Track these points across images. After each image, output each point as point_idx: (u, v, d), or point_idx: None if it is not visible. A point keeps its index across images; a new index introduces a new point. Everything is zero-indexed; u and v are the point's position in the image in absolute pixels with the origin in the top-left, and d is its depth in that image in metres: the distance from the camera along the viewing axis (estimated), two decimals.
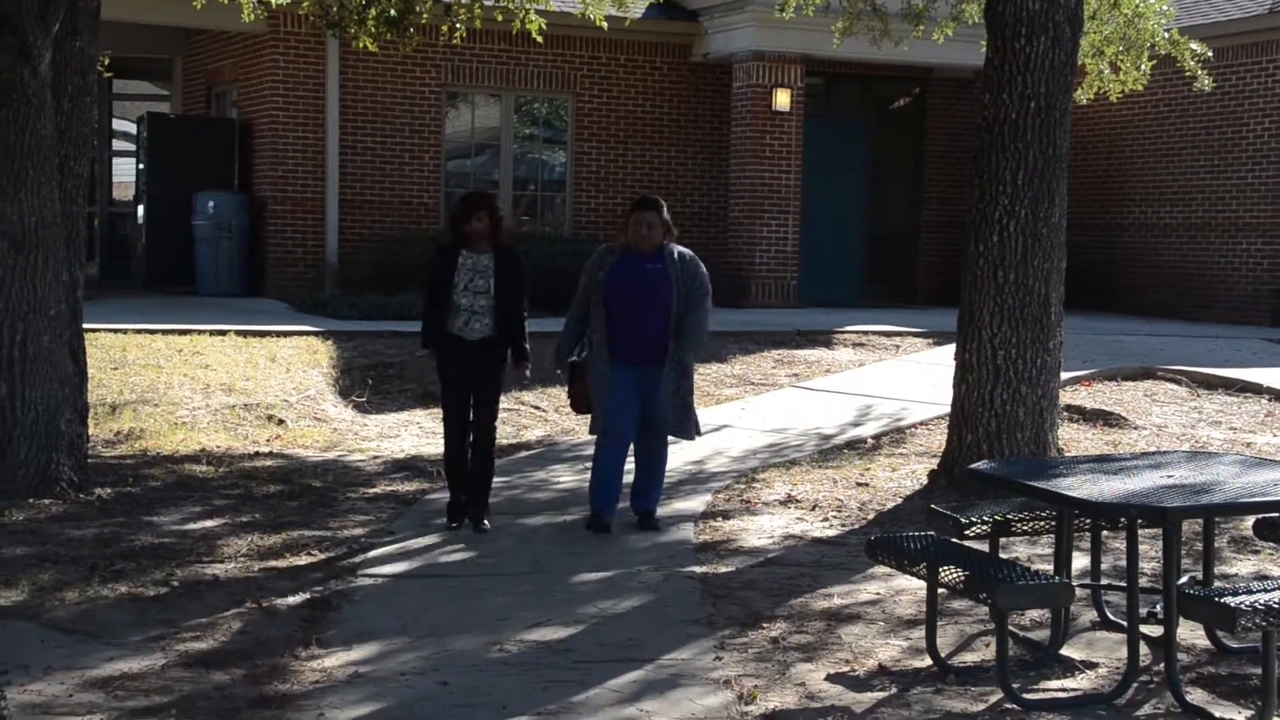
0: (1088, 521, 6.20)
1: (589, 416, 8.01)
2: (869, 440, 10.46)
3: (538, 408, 11.53)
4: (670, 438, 7.93)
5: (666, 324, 7.66)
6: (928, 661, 5.74)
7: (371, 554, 7.33)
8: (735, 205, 18.36)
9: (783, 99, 17.82)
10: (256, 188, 17.90)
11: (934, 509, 6.48)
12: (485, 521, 7.82)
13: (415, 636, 6.00)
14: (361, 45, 11.61)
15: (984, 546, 6.22)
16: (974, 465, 6.27)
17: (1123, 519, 5.72)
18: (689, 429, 7.85)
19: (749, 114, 17.97)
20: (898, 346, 14.67)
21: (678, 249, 7.77)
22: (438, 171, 18.08)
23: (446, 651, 5.83)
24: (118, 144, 21.72)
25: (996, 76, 8.63)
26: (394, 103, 17.74)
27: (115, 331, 12.78)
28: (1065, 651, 5.86)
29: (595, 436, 7.88)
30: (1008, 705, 5.28)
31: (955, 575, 5.43)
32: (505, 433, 10.66)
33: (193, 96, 20.20)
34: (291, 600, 6.54)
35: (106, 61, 11.33)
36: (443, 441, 8.00)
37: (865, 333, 15.11)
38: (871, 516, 8.32)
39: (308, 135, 17.39)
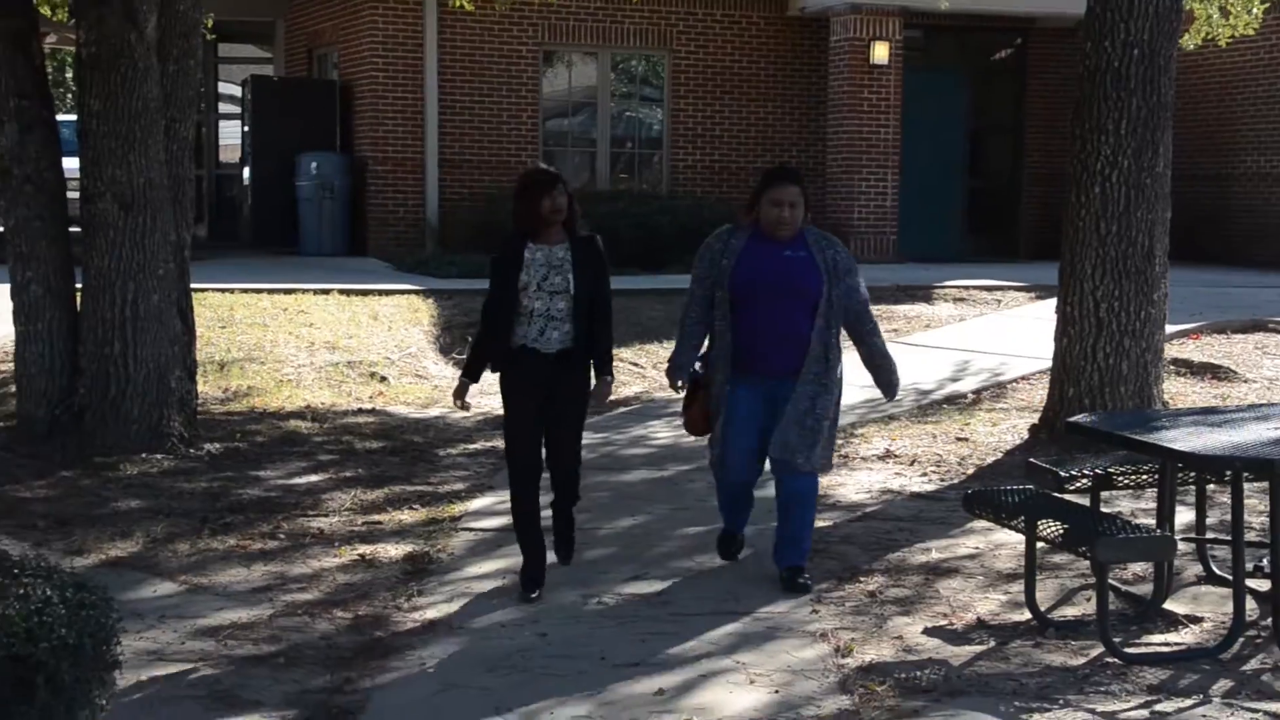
0: (1192, 475, 6.11)
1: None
2: (969, 395, 10.37)
3: (635, 364, 11.58)
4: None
5: (811, 326, 5.99)
6: (1026, 615, 5.71)
7: (471, 507, 7.43)
8: (833, 160, 18.22)
9: (881, 52, 17.62)
10: (357, 148, 18.10)
11: (1033, 463, 6.43)
12: (571, 557, 6.49)
13: (514, 588, 6.08)
14: (459, 4, 11.67)
15: (1085, 501, 6.16)
16: (1074, 419, 6.20)
17: (1228, 472, 5.63)
18: (814, 457, 6.01)
19: (846, 68, 17.79)
20: (999, 301, 14.51)
21: (815, 230, 6.17)
22: (535, 130, 18.13)
23: (544, 603, 5.91)
24: (224, 107, 22.05)
25: (1098, 23, 8.47)
26: (491, 62, 17.81)
27: (223, 291, 13.04)
28: (1169, 606, 5.79)
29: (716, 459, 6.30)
30: (1108, 659, 5.24)
31: (1054, 529, 5.39)
32: None
33: (295, 59, 20.45)
34: (394, 553, 6.66)
35: (210, 25, 11.51)
36: (509, 488, 6.19)
37: (966, 287, 14.95)
38: (971, 471, 8.27)
39: (407, 96, 17.53)
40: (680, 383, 6.27)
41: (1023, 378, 10.80)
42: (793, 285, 5.99)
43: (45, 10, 12.00)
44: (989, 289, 14.92)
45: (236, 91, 20.92)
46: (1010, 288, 14.99)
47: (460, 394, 6.23)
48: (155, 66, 8.26)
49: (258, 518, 7.15)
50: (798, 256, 6.01)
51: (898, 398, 6.90)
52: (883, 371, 6.14)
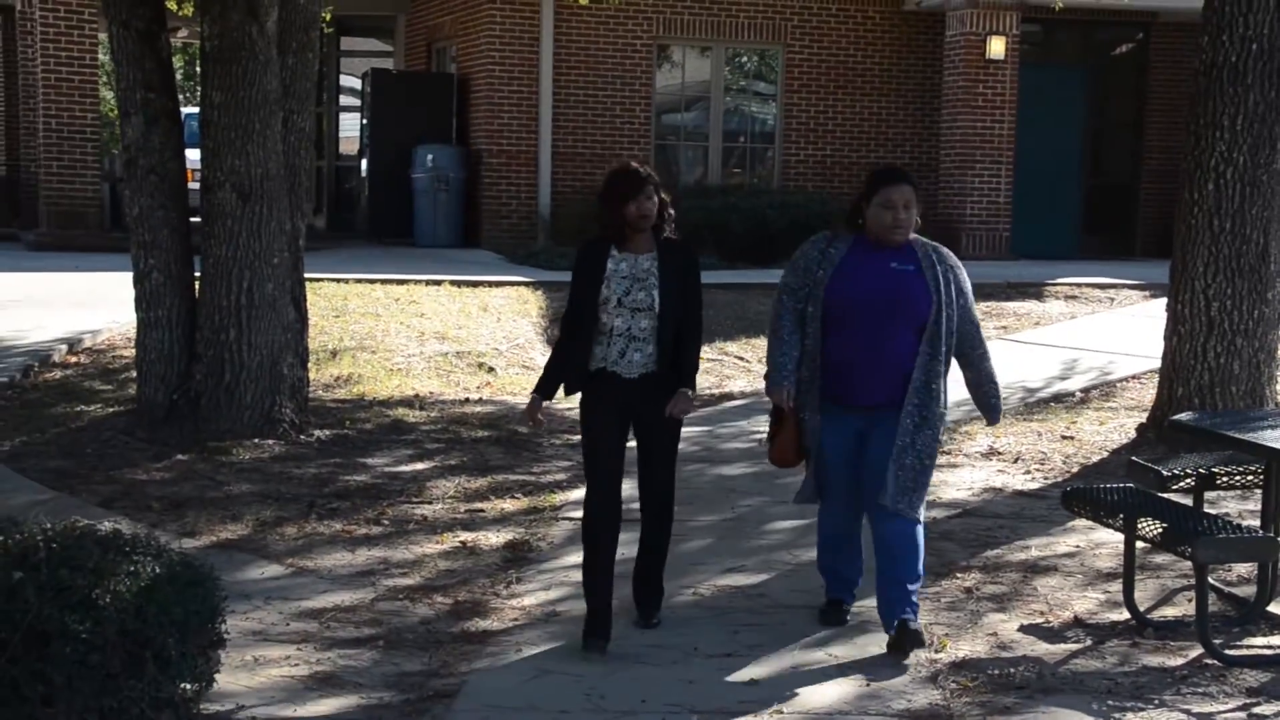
0: None
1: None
2: (1076, 393, 10.25)
3: (741, 358, 11.60)
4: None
5: (916, 349, 5.27)
6: (1125, 615, 5.66)
7: (572, 497, 7.52)
8: (946, 156, 18.06)
9: (997, 47, 17.42)
10: (473, 141, 18.32)
11: (1135, 461, 6.36)
12: (657, 617, 5.62)
13: (616, 577, 6.14)
14: None
15: (1188, 501, 6.09)
16: (1176, 417, 6.13)
17: None
18: (914, 502, 5.29)
19: (961, 63, 17.62)
20: (1112, 299, 14.30)
21: (922, 240, 5.46)
22: (648, 124, 18.21)
23: None
24: (344, 99, 22.44)
25: (1216, 18, 8.32)
26: (605, 56, 17.93)
27: (338, 281, 13.30)
28: (1273, 609, 5.70)
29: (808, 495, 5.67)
30: (1207, 660, 5.18)
31: (1154, 527, 5.33)
32: (706, 383, 10.79)
33: (414, 52, 20.76)
34: (495, 540, 6.77)
35: (330, 19, 11.73)
36: (581, 523, 5.60)
37: (1078, 285, 14.75)
38: (1076, 470, 8.18)
39: (522, 89, 17.71)
40: (788, 390, 5.38)
41: (1133, 377, 10.65)
42: (899, 304, 5.25)
43: (172, 5, 12.32)
44: (1102, 287, 14.71)
45: (357, 84, 21.28)
46: (1124, 286, 14.76)
47: (532, 412, 5.58)
48: (275, 60, 8.46)
49: (363, 503, 7.30)
50: (905, 270, 5.29)
51: (1003, 398, 5.82)
52: (989, 397, 5.47)
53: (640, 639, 5.42)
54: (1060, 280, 14.95)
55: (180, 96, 10.92)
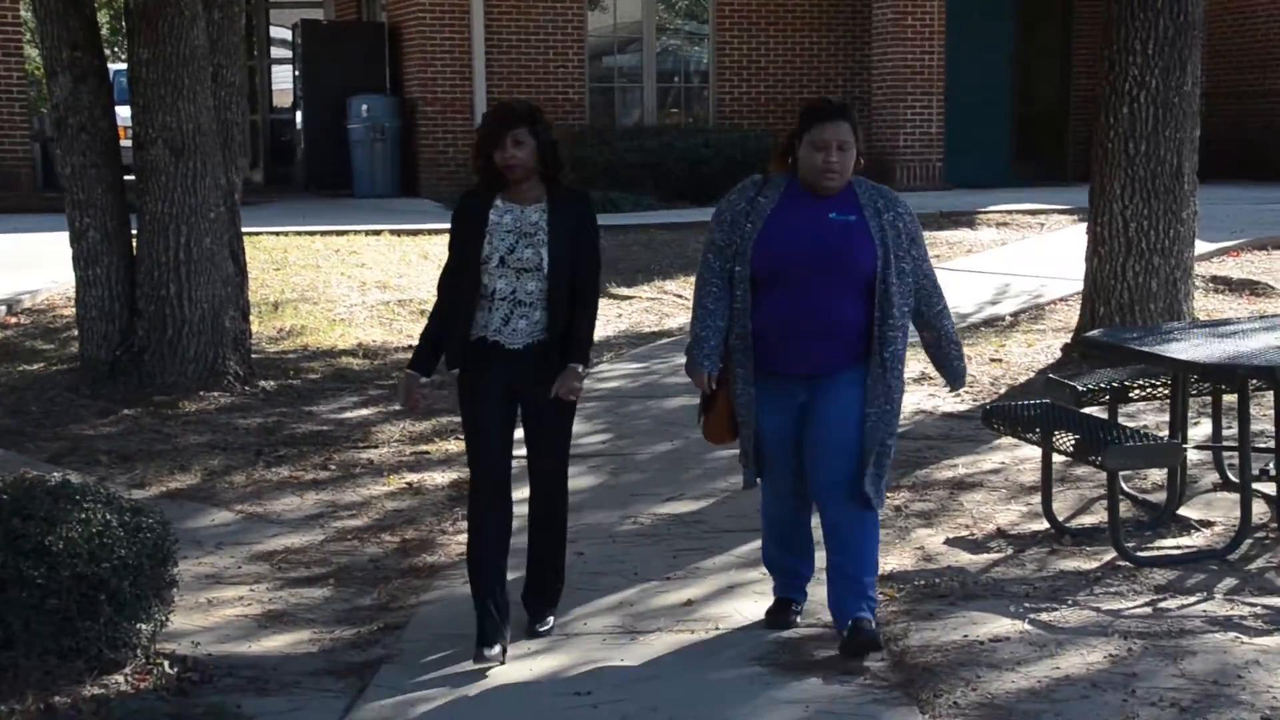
0: (1208, 386, 6.26)
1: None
2: (1006, 318, 10.51)
3: (680, 295, 11.78)
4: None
5: (860, 311, 4.57)
6: (1045, 525, 5.91)
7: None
8: (878, 89, 18.24)
9: None
10: (407, 90, 18.32)
11: (1051, 378, 6.61)
12: (549, 619, 4.94)
13: None
14: None
15: (1105, 414, 6.33)
16: (1088, 334, 6.37)
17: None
18: (867, 485, 4.62)
19: None
20: (1042, 225, 14.57)
21: (867, 183, 4.72)
22: (582, 67, 18.28)
23: (583, 524, 6.14)
24: (276, 52, 22.32)
25: None
26: (537, 0, 17.95)
27: (277, 234, 13.35)
28: (1183, 512, 5.98)
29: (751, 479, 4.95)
30: (1119, 562, 5.44)
31: (1068, 440, 5.57)
32: (646, 321, 10.98)
33: (344, 2, 20.65)
34: (440, 480, 6.94)
35: None
36: (466, 514, 5.00)
37: (1009, 212, 15.02)
38: (1003, 391, 8.43)
39: (454, 36, 17.71)
40: (709, 376, 4.74)
41: (1061, 299, 10.91)
42: (838, 261, 4.55)
43: None
44: (1032, 213, 14.98)
45: (288, 36, 21.17)
46: (1054, 211, 15.04)
47: (409, 393, 4.86)
48: (200, 15, 8.49)
49: (310, 450, 7.45)
50: (845, 221, 4.58)
51: None
52: (950, 359, 4.81)
53: (583, 565, 5.61)
54: (992, 208, 15.21)
55: (108, 53, 10.91)
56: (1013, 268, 12.33)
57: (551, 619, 4.96)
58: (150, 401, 8.29)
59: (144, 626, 4.54)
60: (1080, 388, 6.20)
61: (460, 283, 4.73)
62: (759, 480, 4.90)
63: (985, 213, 15.01)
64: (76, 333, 9.08)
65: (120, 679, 4.42)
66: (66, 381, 8.78)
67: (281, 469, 7.14)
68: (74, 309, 9.14)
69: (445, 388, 7.81)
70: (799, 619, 4.93)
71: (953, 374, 4.88)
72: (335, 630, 5.07)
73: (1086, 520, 6.05)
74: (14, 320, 10.69)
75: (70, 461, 7.18)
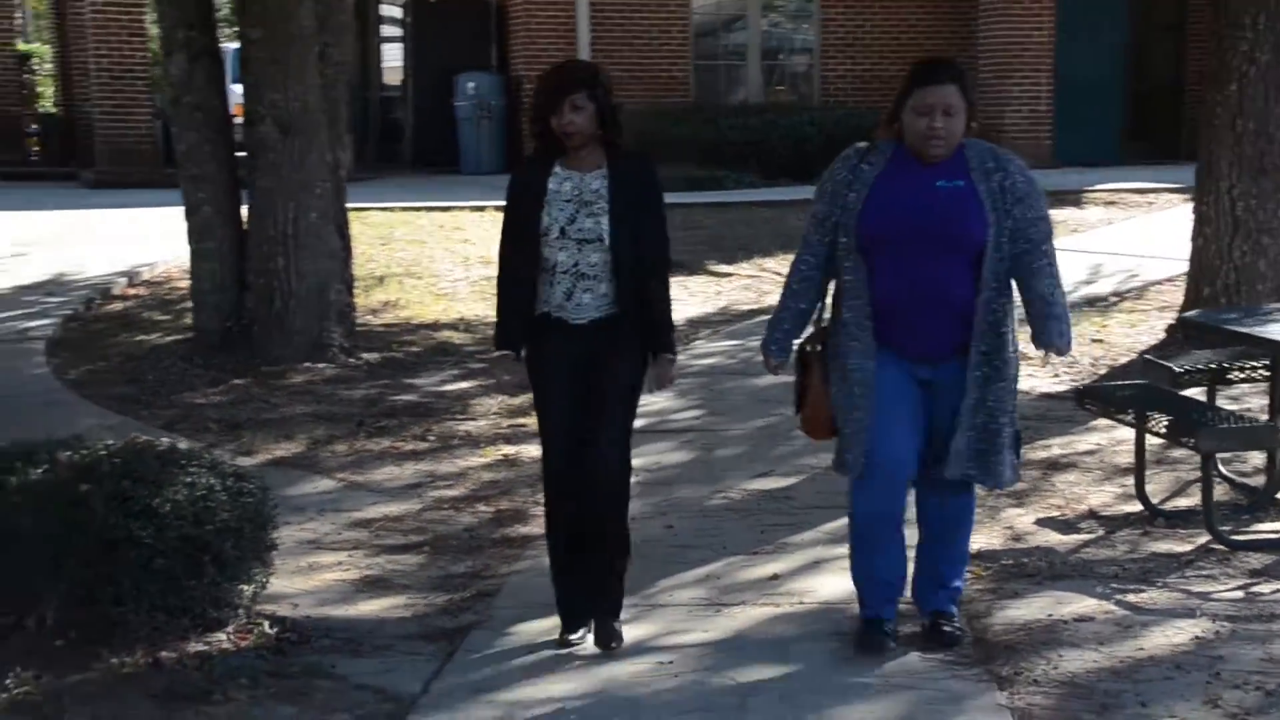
0: None
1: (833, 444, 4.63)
2: (1109, 297, 10.40)
3: (779, 273, 11.79)
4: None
5: (973, 290, 4.31)
6: (1139, 507, 5.88)
7: None
8: (985, 66, 18.04)
9: None
10: (513, 67, 18.49)
11: (1149, 359, 6.56)
12: (617, 629, 4.61)
13: (647, 485, 6.43)
14: None
15: (1204, 397, 6.27)
16: (1186, 314, 6.30)
17: None
18: (1001, 469, 4.47)
19: None
20: (1150, 204, 14.36)
21: (979, 144, 4.41)
22: (686, 44, 18.31)
23: (674, 498, 6.26)
24: (386, 30, 22.59)
25: None
26: None
27: (384, 210, 13.60)
28: None
29: (849, 476, 4.55)
30: (1213, 545, 5.40)
31: (1163, 421, 5.53)
32: (744, 298, 11.02)
33: None
34: (535, 453, 7.01)
35: None
36: (543, 495, 4.72)
37: (1117, 190, 14.82)
38: (1104, 372, 8.36)
39: (559, 14, 17.83)
40: (775, 362, 4.57)
41: (1167, 279, 10.76)
42: (946, 229, 4.28)
43: None
44: (1141, 192, 14.76)
45: (398, 14, 21.44)
46: (1163, 190, 14.81)
47: (507, 373, 4.65)
48: None
49: (410, 421, 7.62)
50: (954, 187, 4.30)
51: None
52: (1052, 322, 4.41)
53: (672, 539, 5.70)
54: (1100, 186, 15.01)
55: (224, 32, 11.17)
56: (1118, 247, 12.19)
57: (619, 632, 4.57)
58: (258, 372, 8.51)
59: (245, 587, 4.70)
60: (1177, 369, 6.15)
61: (520, 256, 4.48)
62: (861, 476, 4.43)
63: (1092, 191, 14.82)
64: (190, 304, 9.34)
65: (223, 637, 4.59)
66: (181, 351, 9.05)
67: (382, 439, 7.30)
68: (189, 281, 9.40)
69: None
70: (894, 643, 4.50)
71: (1039, 329, 4.40)
72: (428, 596, 5.20)
73: (1182, 503, 6.00)
74: (134, 291, 11.03)
75: (182, 429, 7.42)
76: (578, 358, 4.48)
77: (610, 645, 4.54)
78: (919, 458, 4.45)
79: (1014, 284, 4.38)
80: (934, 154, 4.31)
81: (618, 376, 4.47)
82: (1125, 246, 12.21)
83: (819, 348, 4.54)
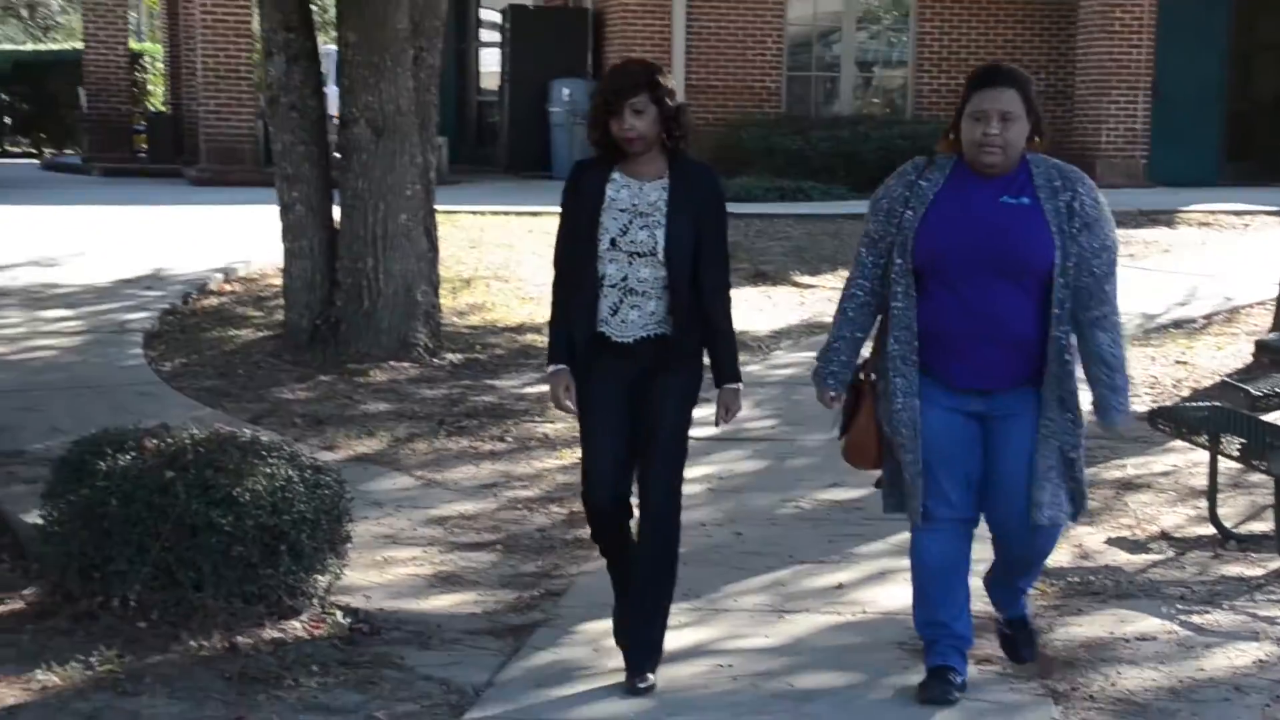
0: None
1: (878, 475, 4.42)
2: (1198, 320, 10.28)
3: None
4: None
5: (1036, 310, 4.03)
6: (1211, 530, 5.85)
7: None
8: (1081, 82, 17.89)
9: None
10: None
11: (1227, 381, 6.53)
12: (649, 674, 4.29)
13: (718, 492, 6.51)
14: None
15: None
16: (1262, 338, 6.25)
17: None
18: (1083, 499, 4.23)
19: None
20: (1246, 225, 14.15)
21: (1046, 160, 4.11)
22: (780, 55, 18.36)
23: (745, 507, 6.32)
24: (485, 35, 22.87)
25: None
26: None
27: (475, 213, 13.79)
28: None
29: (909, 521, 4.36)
30: None
31: (1235, 444, 5.51)
32: (827, 310, 11.03)
33: None
34: None
35: None
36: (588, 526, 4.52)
37: (1212, 212, 14.62)
38: (1185, 394, 8.28)
39: (655, 23, 17.96)
40: (831, 395, 4.25)
41: (1259, 303, 10.59)
42: (1009, 251, 3.97)
43: None
44: (1237, 213, 14.55)
45: (498, 19, 21.70)
46: (1262, 212, 14.57)
47: (558, 392, 4.29)
48: (405, 0, 8.86)
49: (489, 422, 7.75)
50: (1019, 205, 3.99)
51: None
52: (1099, 383, 4.12)
53: (740, 546, 5.77)
54: (1195, 207, 14.82)
55: (323, 35, 11.41)
56: (1210, 269, 12.04)
57: (652, 676, 4.24)
58: (345, 369, 8.69)
59: (320, 578, 4.85)
60: (1255, 392, 6.12)
61: (578, 265, 4.21)
62: (919, 529, 4.21)
63: (1187, 212, 14.64)
64: (282, 301, 9.56)
65: (297, 625, 4.74)
66: (271, 347, 9.27)
67: (461, 439, 7.44)
68: (281, 279, 9.62)
69: None
70: (960, 694, 4.19)
71: (1100, 403, 4.11)
72: (498, 593, 5.31)
73: (1256, 527, 5.96)
74: (229, 287, 11.29)
75: (268, 423, 7.59)
76: (625, 382, 4.21)
77: (643, 683, 4.25)
78: (981, 494, 4.18)
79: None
80: (988, 162, 3.99)
81: (666, 416, 4.20)
82: (1217, 268, 12.06)
83: (873, 377, 4.23)
